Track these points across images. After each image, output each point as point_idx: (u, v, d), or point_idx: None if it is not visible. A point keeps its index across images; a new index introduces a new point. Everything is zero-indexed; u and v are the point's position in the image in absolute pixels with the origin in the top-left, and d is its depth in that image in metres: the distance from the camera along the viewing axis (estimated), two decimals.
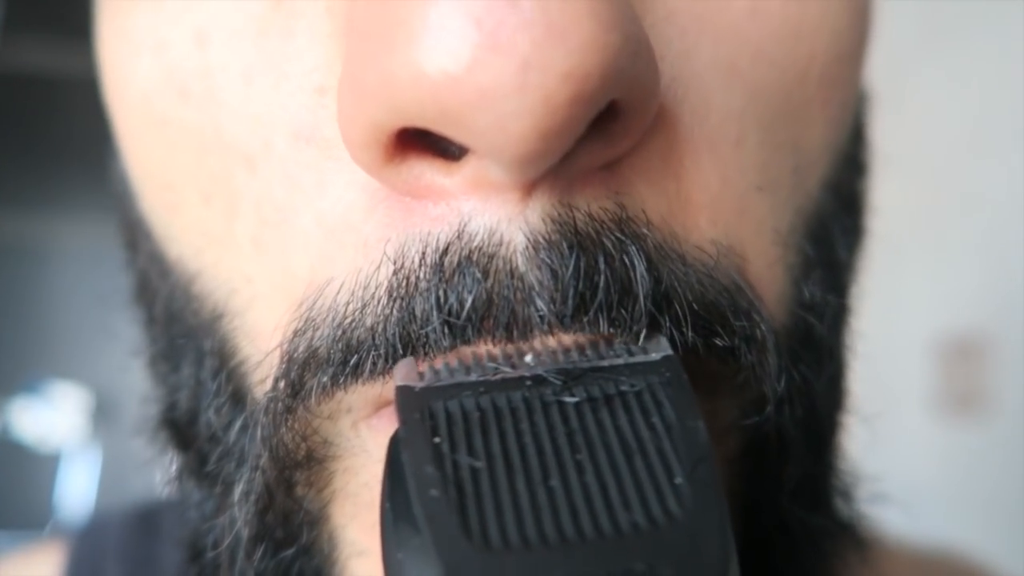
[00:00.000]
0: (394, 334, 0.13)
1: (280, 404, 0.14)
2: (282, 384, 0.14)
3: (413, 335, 0.13)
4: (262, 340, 0.15)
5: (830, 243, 0.17)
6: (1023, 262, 1.02)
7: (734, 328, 0.14)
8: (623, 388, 0.13)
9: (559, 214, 0.13)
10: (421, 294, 0.13)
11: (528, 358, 0.13)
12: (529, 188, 0.13)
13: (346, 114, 0.13)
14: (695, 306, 0.14)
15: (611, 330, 0.13)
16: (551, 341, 0.13)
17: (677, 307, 0.13)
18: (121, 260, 0.22)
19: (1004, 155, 1.05)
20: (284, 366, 0.15)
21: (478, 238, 0.13)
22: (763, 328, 0.14)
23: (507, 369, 0.13)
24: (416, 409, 0.13)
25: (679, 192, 0.14)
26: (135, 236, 0.20)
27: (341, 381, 0.14)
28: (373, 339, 0.14)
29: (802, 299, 0.16)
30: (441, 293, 0.13)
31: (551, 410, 0.13)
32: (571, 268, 0.13)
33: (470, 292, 0.13)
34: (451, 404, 0.13)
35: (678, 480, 0.12)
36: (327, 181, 0.14)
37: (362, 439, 0.15)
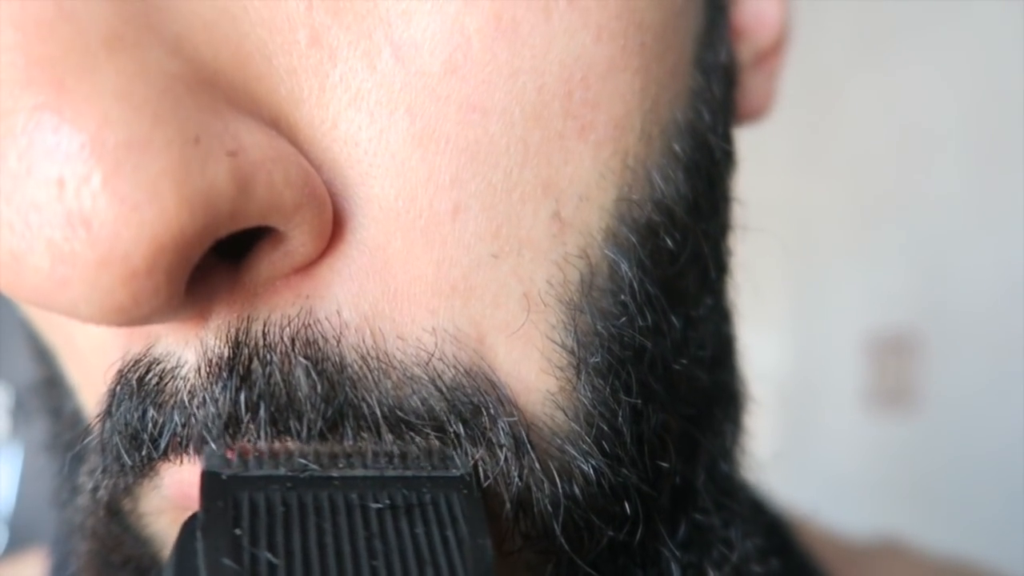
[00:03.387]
0: (103, 455, 0.14)
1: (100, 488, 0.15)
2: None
3: (109, 454, 0.14)
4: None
5: (625, 279, 0.15)
6: (953, 262, 1.06)
7: (447, 429, 0.14)
8: (424, 499, 0.13)
9: (235, 331, 0.13)
10: (110, 418, 0.14)
11: (339, 460, 0.14)
12: (204, 309, 0.13)
13: None
14: (395, 411, 0.13)
15: (284, 443, 0.13)
16: (362, 446, 0.14)
17: (365, 416, 0.13)
18: None
19: (935, 158, 1.08)
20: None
21: (160, 363, 0.14)
22: (495, 421, 0.14)
23: (315, 468, 0.13)
24: (220, 497, 0.13)
25: (386, 287, 0.13)
26: None
27: (106, 482, 0.15)
28: (101, 457, 0.15)
29: (579, 356, 0.15)
30: (121, 419, 0.14)
31: (355, 513, 0.13)
32: (233, 385, 0.13)
33: (143, 417, 0.14)
34: (257, 496, 0.13)
35: None
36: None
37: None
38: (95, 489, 0.15)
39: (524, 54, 0.14)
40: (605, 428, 0.15)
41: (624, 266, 0.15)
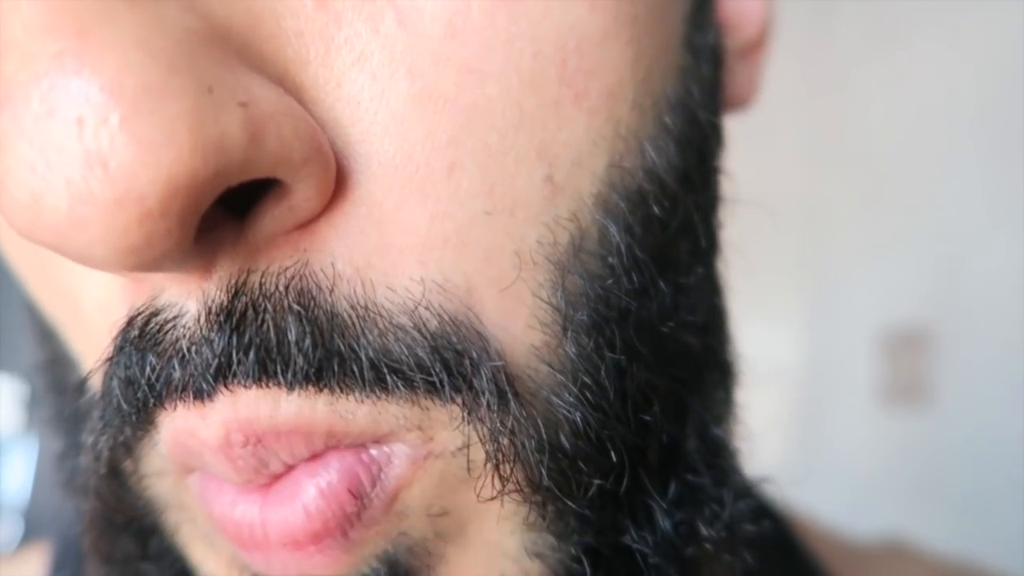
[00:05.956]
0: (103, 405, 0.15)
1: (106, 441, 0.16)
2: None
3: (108, 404, 0.15)
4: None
5: (613, 243, 0.16)
6: (967, 256, 1.05)
7: (433, 373, 0.14)
8: None
9: (236, 282, 0.14)
10: (112, 365, 0.14)
11: None
12: (208, 261, 0.14)
13: None
14: (380, 358, 0.14)
15: (268, 386, 0.14)
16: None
17: (349, 362, 0.14)
18: None
19: (950, 151, 1.07)
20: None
21: (162, 313, 0.14)
22: (478, 368, 0.14)
23: None
24: None
25: (380, 241, 0.14)
26: None
27: (107, 441, 0.15)
28: (102, 408, 0.15)
29: (565, 314, 0.15)
30: (121, 365, 0.14)
31: None
32: (228, 334, 0.14)
33: (142, 362, 0.14)
34: None
35: None
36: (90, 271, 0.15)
37: (182, 498, 0.16)
38: (95, 445, 0.15)
39: (521, 21, 0.14)
40: (589, 382, 0.15)
41: (613, 230, 0.16)
